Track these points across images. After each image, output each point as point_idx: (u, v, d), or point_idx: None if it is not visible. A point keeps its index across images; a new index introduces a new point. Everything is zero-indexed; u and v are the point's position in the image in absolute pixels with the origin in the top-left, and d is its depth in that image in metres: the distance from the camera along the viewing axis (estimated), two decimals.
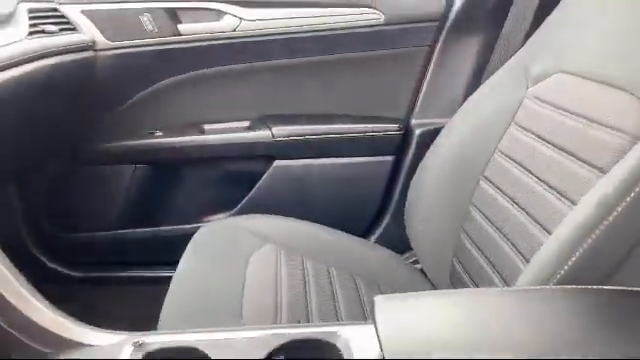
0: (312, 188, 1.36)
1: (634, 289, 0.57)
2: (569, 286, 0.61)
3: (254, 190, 1.35)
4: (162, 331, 0.66)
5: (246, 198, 1.35)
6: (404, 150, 1.33)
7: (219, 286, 0.94)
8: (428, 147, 1.10)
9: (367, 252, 1.19)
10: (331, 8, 1.25)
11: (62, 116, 1.15)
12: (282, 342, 0.55)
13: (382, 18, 1.26)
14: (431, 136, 1.13)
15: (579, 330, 0.50)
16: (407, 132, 1.33)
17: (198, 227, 1.14)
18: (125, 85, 1.28)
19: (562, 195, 0.72)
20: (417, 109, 1.34)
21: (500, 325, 0.50)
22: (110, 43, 1.19)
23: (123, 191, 1.33)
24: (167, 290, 0.91)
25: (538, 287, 0.63)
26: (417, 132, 1.31)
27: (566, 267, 0.61)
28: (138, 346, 0.55)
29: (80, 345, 0.59)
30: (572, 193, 0.70)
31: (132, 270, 1.37)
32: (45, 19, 1.02)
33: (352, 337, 0.54)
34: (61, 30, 1.04)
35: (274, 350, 0.54)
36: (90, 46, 1.13)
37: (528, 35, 1.07)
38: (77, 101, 1.18)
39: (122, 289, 1.37)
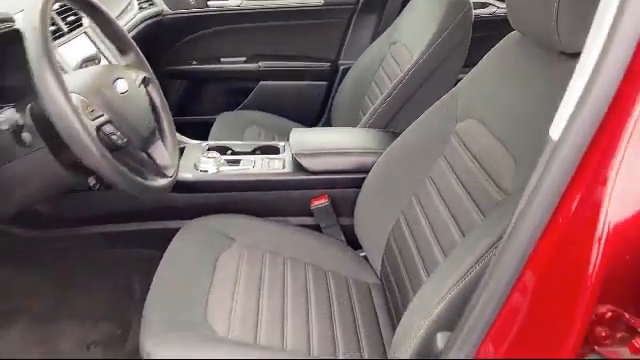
0: (281, 97, 2.11)
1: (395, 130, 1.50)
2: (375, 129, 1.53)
3: (248, 97, 2.11)
4: None
5: (244, 102, 2.12)
6: (333, 78, 2.11)
7: (232, 137, 1.78)
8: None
9: None
10: None
11: (149, 50, 1.96)
12: (259, 145, 1.49)
13: (322, 2, 2.03)
14: (347, 71, 1.93)
15: (365, 140, 1.42)
16: (335, 68, 2.11)
17: (215, 118, 1.91)
18: (177, 34, 2.02)
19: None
20: (342, 55, 2.12)
21: (351, 137, 1.43)
22: (170, 11, 1.96)
23: (174, 95, 2.09)
24: None
25: (368, 129, 1.53)
26: (341, 68, 2.10)
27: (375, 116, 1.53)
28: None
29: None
30: None
31: None
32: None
33: (285, 144, 1.47)
34: (149, 5, 1.88)
35: (255, 148, 1.48)
36: (161, 13, 1.93)
37: (394, 18, 1.82)
38: (153, 43, 1.95)
39: None
